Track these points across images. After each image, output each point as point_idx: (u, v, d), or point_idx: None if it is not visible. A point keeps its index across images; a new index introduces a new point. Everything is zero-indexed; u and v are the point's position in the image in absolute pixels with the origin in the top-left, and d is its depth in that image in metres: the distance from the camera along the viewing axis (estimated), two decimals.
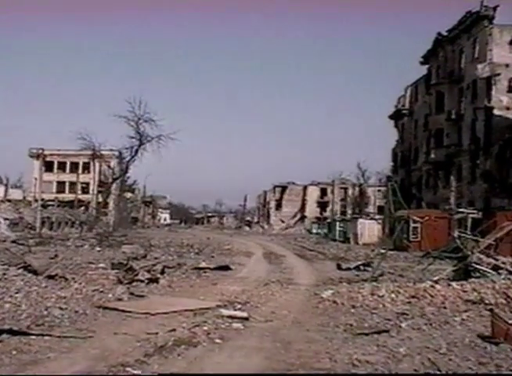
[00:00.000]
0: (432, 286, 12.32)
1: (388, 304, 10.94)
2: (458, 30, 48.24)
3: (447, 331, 8.58)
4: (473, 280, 13.20)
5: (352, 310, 10.48)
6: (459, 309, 10.42)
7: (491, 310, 9.61)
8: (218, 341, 7.72)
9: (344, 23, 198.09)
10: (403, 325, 8.95)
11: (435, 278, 14.10)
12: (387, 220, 43.10)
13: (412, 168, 58.55)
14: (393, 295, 11.63)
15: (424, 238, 30.41)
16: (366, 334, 8.27)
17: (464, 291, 11.80)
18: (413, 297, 11.47)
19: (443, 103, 49.27)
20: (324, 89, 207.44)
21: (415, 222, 33.77)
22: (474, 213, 33.96)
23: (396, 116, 63.58)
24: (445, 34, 50.30)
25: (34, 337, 7.47)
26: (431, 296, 11.46)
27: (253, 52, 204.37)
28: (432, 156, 50.76)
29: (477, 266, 14.64)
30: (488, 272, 14.13)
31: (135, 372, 6.16)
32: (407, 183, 58.42)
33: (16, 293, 10.51)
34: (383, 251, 24.55)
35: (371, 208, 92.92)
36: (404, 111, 61.55)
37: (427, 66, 55.13)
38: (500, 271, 14.25)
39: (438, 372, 6.41)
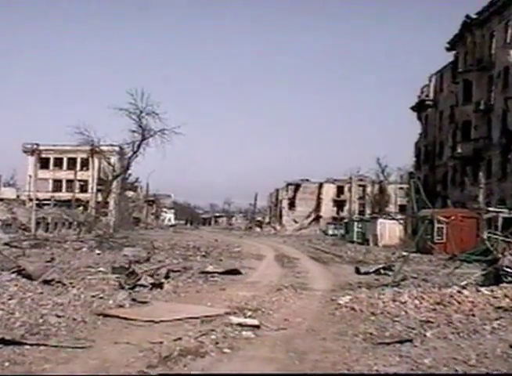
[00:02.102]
0: (459, 291, 12.25)
1: (411, 311, 10.88)
2: (488, 13, 47.81)
3: (476, 341, 8.50)
4: (504, 285, 13.10)
5: (372, 317, 10.43)
6: (490, 317, 10.34)
7: None
8: (226, 350, 7.71)
9: (362, 7, 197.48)
10: (428, 334, 8.90)
11: (463, 283, 14.04)
12: (409, 220, 42.99)
13: (436, 164, 58.28)
14: (416, 301, 11.58)
15: (450, 240, 30.28)
16: (388, 344, 8.23)
17: (495, 297, 11.71)
18: (439, 303, 11.40)
19: (471, 93, 48.96)
20: (340, 79, 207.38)
21: (440, 222, 33.59)
22: (505, 212, 33.77)
23: (419, 107, 63.29)
24: (474, 16, 49.88)
25: (28, 347, 7.48)
26: (458, 303, 11.39)
27: (265, 42, 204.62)
28: (459, 150, 50.48)
29: (509, 270, 14.52)
30: None
31: None
32: (431, 180, 58.18)
33: (9, 299, 10.54)
34: (405, 253, 24.49)
35: (392, 207, 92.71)
36: (428, 102, 61.24)
37: (453, 52, 54.78)
38: None
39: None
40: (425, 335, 8.83)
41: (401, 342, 8.31)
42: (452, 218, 33.44)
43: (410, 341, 8.43)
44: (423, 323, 9.81)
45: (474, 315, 10.53)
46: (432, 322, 9.87)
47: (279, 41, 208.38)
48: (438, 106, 59.30)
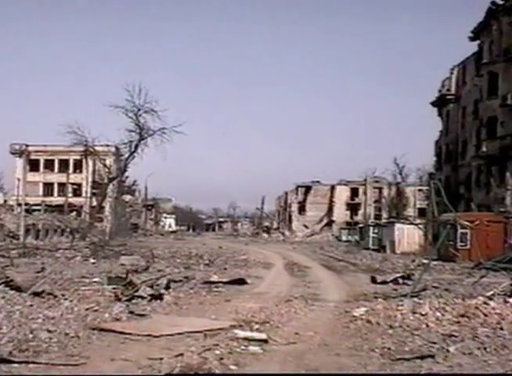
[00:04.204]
0: (485, 303, 12.19)
1: (433, 324, 10.84)
2: None
3: (505, 357, 8.45)
4: None
5: (390, 331, 10.40)
6: None
7: None
8: (232, 367, 7.70)
9: None
10: (451, 349, 8.85)
11: (489, 293, 13.96)
12: (429, 225, 42.88)
13: (459, 164, 58.13)
14: (438, 314, 11.54)
15: (475, 246, 30.15)
16: (407, 360, 8.19)
17: None
18: (463, 316, 11.35)
19: (497, 86, 48.79)
20: (354, 75, 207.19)
21: (463, 227, 33.48)
22: None
23: (440, 102, 63.18)
24: (501, 2, 49.65)
25: (16, 365, 7.48)
26: (485, 315, 11.33)
27: (273, 40, 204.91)
28: (483, 149, 50.32)
29: None
30: None
31: None
32: (453, 181, 58.05)
33: None
34: (425, 261, 24.40)
35: (410, 211, 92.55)
36: (449, 97, 61.15)
37: (477, 42, 54.60)
38: None
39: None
40: (448, 350, 8.78)
41: (422, 358, 8.27)
42: (477, 222, 33.32)
43: (432, 356, 8.39)
44: (445, 337, 9.77)
45: (502, 328, 10.47)
46: (456, 336, 9.83)
47: (287, 39, 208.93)
48: (460, 101, 59.15)
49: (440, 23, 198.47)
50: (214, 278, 19.43)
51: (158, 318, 11.54)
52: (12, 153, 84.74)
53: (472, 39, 55.01)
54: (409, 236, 44.88)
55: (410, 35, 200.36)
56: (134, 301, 13.24)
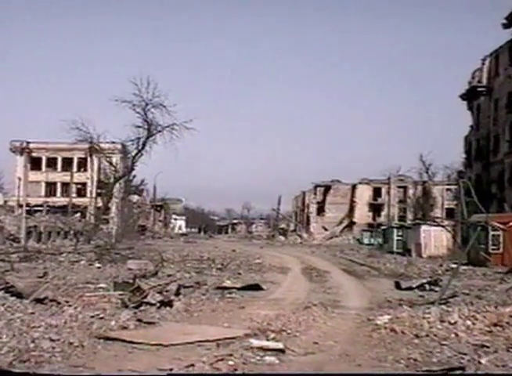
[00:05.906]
0: None
1: (463, 333, 10.79)
2: None
3: None
4: None
5: (416, 341, 10.36)
6: None
7: None
8: None
9: None
10: (483, 361, 8.80)
11: None
12: (458, 227, 42.65)
13: (491, 161, 57.78)
14: (468, 322, 11.48)
15: (508, 249, 29.99)
16: (435, 372, 8.15)
17: None
18: (495, 325, 11.29)
19: None
20: (376, 66, 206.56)
21: (495, 229, 33.30)
22: None
23: (470, 95, 62.79)
24: None
25: None
26: None
27: (289, 32, 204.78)
28: None
29: None
30: None
31: None
32: (485, 180, 57.70)
33: None
34: (454, 265, 24.30)
35: (438, 212, 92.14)
36: (480, 89, 60.75)
37: (511, 29, 54.17)
38: None
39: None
40: (480, 362, 8.73)
41: (451, 370, 8.23)
42: (510, 224, 33.14)
43: (462, 368, 8.35)
44: (477, 347, 9.71)
45: None
46: (488, 346, 9.76)
47: (306, 35, 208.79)
48: (492, 94, 58.75)
49: (470, 11, 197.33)
50: (228, 283, 19.46)
51: (168, 326, 11.57)
52: (13, 151, 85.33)
53: (506, 26, 54.48)
54: (436, 238, 44.68)
55: (439, 24, 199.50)
56: (142, 308, 13.27)
